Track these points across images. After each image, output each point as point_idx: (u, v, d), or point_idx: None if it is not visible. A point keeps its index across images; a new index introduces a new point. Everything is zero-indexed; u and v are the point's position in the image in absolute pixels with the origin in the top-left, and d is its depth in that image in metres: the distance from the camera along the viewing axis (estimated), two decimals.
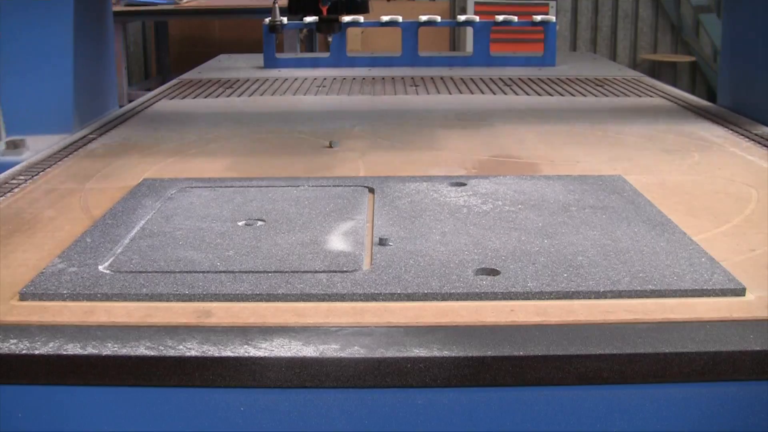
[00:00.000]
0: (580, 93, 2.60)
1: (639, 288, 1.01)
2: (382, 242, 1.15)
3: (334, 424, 0.88)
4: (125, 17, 5.69)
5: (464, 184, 1.43)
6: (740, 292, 1.01)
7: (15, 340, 0.90)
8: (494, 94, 2.58)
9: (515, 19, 3.09)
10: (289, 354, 0.87)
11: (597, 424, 0.88)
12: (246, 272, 1.06)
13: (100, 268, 1.08)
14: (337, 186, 1.45)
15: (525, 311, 0.97)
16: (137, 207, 1.34)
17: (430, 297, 1.00)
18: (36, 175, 1.62)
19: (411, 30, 3.01)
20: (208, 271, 1.06)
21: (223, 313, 0.97)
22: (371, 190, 1.42)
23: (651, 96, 2.54)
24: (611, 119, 2.16)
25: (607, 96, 2.55)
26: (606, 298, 1.00)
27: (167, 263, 1.09)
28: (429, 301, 1.00)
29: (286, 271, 1.06)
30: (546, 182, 1.48)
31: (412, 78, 2.82)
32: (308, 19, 2.86)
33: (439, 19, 3.03)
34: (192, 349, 0.88)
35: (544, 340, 0.90)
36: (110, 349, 0.88)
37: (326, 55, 3.08)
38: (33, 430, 0.88)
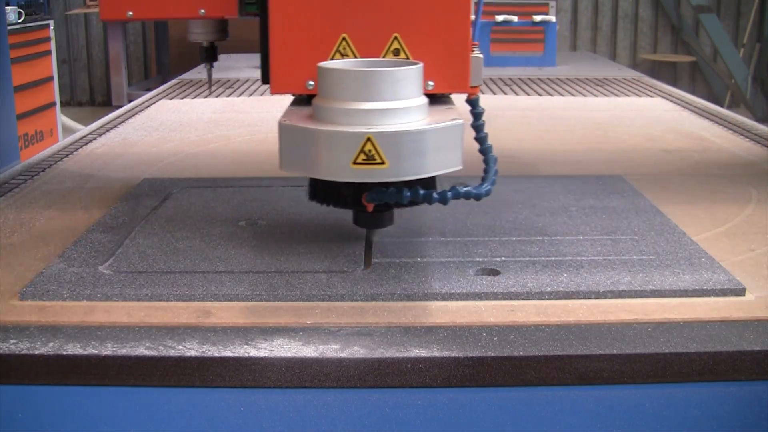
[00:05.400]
0: (580, 93, 2.61)
1: (639, 288, 1.01)
2: (383, 242, 1.15)
3: (334, 424, 0.87)
4: None
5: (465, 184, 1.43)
6: (740, 292, 1.01)
7: (15, 340, 0.90)
8: (494, 94, 2.58)
9: (515, 19, 3.09)
10: (288, 354, 0.87)
11: (597, 424, 0.88)
12: (246, 272, 1.06)
13: (100, 268, 1.08)
14: None
15: (525, 311, 0.97)
16: (137, 207, 1.34)
17: (430, 297, 1.00)
18: (36, 175, 1.62)
19: None
20: (208, 271, 1.06)
21: (223, 313, 0.97)
22: None
23: (651, 96, 2.54)
24: (611, 119, 2.16)
25: (607, 96, 2.55)
26: (606, 298, 1.00)
27: (167, 263, 1.09)
28: (429, 301, 1.00)
29: (286, 271, 1.06)
30: (546, 182, 1.48)
31: None
32: None
33: None
34: (192, 349, 0.88)
35: (544, 340, 0.90)
36: (110, 349, 0.88)
37: None
38: (33, 430, 0.88)
